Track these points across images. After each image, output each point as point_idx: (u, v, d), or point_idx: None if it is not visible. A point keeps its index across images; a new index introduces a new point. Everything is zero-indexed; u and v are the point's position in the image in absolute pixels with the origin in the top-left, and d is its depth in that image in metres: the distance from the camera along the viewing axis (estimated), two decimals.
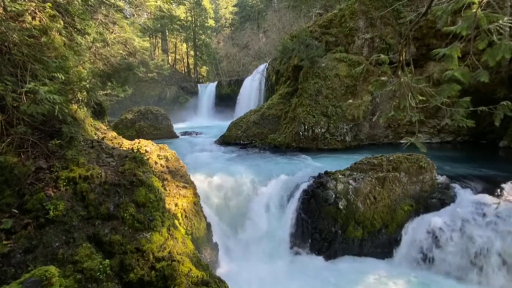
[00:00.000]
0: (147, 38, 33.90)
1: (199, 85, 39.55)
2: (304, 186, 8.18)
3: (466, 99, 3.14)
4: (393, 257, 7.16)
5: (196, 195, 7.24)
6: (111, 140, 8.09)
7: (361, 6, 14.28)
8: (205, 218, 7.32)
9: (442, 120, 11.79)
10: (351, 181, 7.68)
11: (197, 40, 46.66)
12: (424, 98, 3.40)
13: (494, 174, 8.02)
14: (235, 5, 56.33)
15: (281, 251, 7.70)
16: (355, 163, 8.31)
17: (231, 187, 8.89)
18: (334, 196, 7.52)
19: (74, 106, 6.01)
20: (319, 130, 13.09)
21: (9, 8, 4.39)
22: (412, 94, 3.37)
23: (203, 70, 51.03)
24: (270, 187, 8.75)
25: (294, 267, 7.19)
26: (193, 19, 47.04)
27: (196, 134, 20.61)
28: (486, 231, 6.32)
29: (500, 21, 2.59)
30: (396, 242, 7.24)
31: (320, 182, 7.90)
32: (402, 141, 13.38)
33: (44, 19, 5.17)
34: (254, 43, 41.60)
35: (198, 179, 8.60)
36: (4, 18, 4.38)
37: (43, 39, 4.81)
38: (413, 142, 3.58)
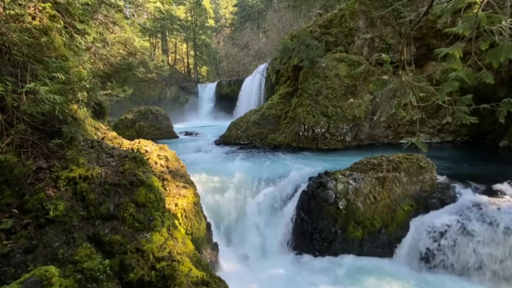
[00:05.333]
0: (147, 38, 33.91)
1: (199, 85, 39.58)
2: (304, 186, 8.18)
3: (468, 96, 3.14)
4: (394, 257, 7.16)
5: (196, 195, 7.23)
6: (111, 140, 8.09)
7: (361, 6, 14.28)
8: (205, 218, 7.32)
9: (443, 119, 11.77)
10: (351, 181, 7.68)
11: (197, 40, 46.68)
12: (424, 94, 3.40)
13: (494, 174, 8.02)
14: (235, 5, 56.37)
15: (281, 251, 7.70)
16: (355, 163, 8.30)
17: (231, 187, 8.89)
18: (334, 196, 7.52)
19: (74, 106, 6.01)
20: (319, 130, 13.09)
21: (7, 11, 4.39)
22: (413, 93, 3.38)
23: (203, 70, 51.05)
24: (270, 187, 8.75)
25: (294, 267, 7.19)
26: (193, 19, 47.06)
27: (196, 134, 20.61)
28: (486, 230, 6.32)
29: (503, 22, 2.60)
30: (396, 242, 7.24)
31: (320, 182, 7.90)
32: (402, 141, 13.37)
33: (44, 19, 5.17)
34: (254, 43, 41.65)
35: (198, 179, 8.60)
36: (4, 18, 4.38)
37: (43, 39, 4.80)
38: (413, 142, 3.58)
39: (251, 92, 25.19)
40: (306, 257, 7.43)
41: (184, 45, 50.72)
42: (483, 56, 2.89)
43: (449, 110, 3.24)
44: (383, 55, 3.41)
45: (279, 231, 7.92)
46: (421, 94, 3.43)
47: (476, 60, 2.84)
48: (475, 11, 2.60)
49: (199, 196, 7.34)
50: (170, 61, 46.23)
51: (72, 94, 5.13)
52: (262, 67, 25.54)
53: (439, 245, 6.63)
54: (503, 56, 2.62)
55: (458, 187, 7.49)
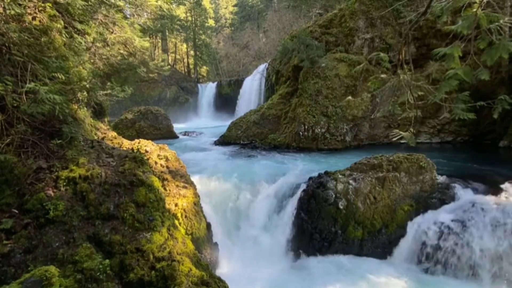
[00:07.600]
0: (147, 38, 33.90)
1: (199, 85, 39.58)
2: (304, 186, 8.17)
3: (465, 93, 3.15)
4: (393, 257, 7.16)
5: (196, 195, 7.23)
6: (111, 140, 8.09)
7: (361, 6, 14.28)
8: (205, 218, 7.32)
9: (441, 116, 11.78)
10: (351, 181, 7.67)
11: (197, 40, 46.67)
12: (422, 93, 3.41)
13: (494, 174, 8.02)
14: (235, 5, 56.39)
15: (281, 251, 7.70)
16: (355, 163, 8.30)
17: (231, 187, 8.89)
18: (334, 196, 7.51)
19: (74, 106, 6.01)
20: (319, 130, 13.09)
21: (7, 11, 4.39)
22: (411, 91, 3.38)
23: (203, 70, 51.04)
24: (270, 187, 8.74)
25: (294, 267, 7.19)
26: (193, 19, 47.05)
27: (196, 134, 20.63)
28: (486, 230, 6.32)
29: (501, 21, 2.60)
30: (396, 242, 7.24)
31: (320, 182, 7.90)
32: (402, 141, 13.36)
33: (44, 19, 5.17)
34: (254, 43, 41.66)
35: (198, 179, 8.60)
36: (4, 18, 4.38)
37: (43, 39, 4.80)
38: (403, 136, 3.59)
39: (251, 92, 25.22)
40: (306, 257, 7.43)
41: (184, 45, 50.72)
42: (482, 56, 2.90)
43: (446, 108, 3.25)
44: (381, 54, 3.41)
45: (279, 231, 7.91)
46: (419, 93, 3.43)
47: (475, 59, 2.85)
48: (474, 10, 2.61)
49: (199, 196, 7.35)
50: (170, 61, 46.24)
51: (72, 94, 5.13)
52: (262, 67, 25.56)
53: (439, 245, 6.62)
54: (497, 54, 2.63)
55: (458, 187, 7.49)
